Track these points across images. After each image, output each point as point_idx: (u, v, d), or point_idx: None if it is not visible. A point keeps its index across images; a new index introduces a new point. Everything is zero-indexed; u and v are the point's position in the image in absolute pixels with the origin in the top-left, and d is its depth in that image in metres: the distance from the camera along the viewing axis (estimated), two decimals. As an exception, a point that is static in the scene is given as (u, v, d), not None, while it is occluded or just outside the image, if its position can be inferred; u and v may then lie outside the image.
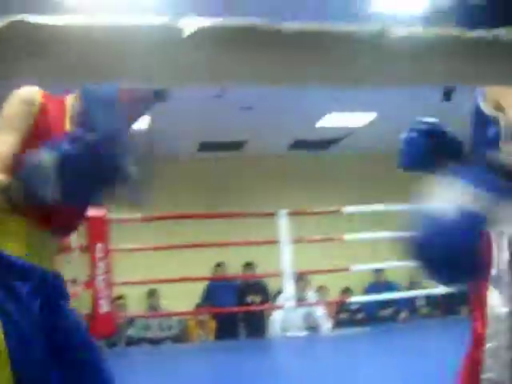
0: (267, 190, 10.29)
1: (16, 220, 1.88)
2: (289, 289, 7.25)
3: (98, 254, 6.27)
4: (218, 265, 9.66)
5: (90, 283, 6.23)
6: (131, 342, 8.25)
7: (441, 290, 7.51)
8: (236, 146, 9.90)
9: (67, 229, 2.11)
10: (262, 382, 4.86)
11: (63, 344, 1.97)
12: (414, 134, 2.19)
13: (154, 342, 8.38)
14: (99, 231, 6.33)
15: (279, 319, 8.02)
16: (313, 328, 8.22)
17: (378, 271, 9.58)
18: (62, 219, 1.97)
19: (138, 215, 7.04)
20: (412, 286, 10.07)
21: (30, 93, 1.91)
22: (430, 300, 9.57)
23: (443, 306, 9.21)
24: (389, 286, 9.38)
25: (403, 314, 9.15)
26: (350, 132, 9.61)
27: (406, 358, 4.99)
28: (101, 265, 6.29)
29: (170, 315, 8.73)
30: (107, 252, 6.38)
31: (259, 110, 7.98)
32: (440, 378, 3.38)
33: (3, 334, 1.79)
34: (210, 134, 9.09)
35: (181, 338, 8.85)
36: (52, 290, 1.98)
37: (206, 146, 9.82)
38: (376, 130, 9.38)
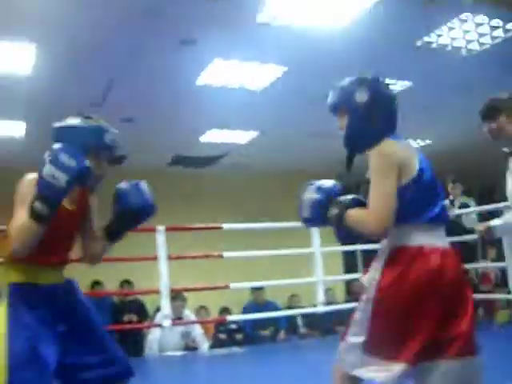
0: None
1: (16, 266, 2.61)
2: (166, 307, 7.07)
3: None
4: (96, 282, 9.41)
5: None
6: None
7: (319, 309, 7.51)
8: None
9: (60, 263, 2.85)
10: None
11: (79, 319, 2.74)
12: (318, 200, 2.53)
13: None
14: None
15: (156, 338, 7.86)
16: (191, 348, 8.11)
17: (257, 290, 9.55)
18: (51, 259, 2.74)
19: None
20: (291, 305, 10.16)
21: (31, 180, 2.58)
22: (309, 320, 9.63)
23: (322, 326, 9.25)
24: (268, 306, 9.36)
25: (282, 334, 9.14)
26: (230, 149, 9.58)
27: (284, 376, 5.09)
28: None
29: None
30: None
31: (140, 122, 7.80)
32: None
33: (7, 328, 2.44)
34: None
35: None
36: (59, 293, 2.73)
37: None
38: (256, 148, 9.42)
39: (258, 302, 9.56)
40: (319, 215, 2.53)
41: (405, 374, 2.23)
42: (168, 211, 9.90)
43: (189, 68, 6.19)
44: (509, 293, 8.05)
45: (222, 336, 8.92)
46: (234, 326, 9.01)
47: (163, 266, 7.04)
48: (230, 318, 8.74)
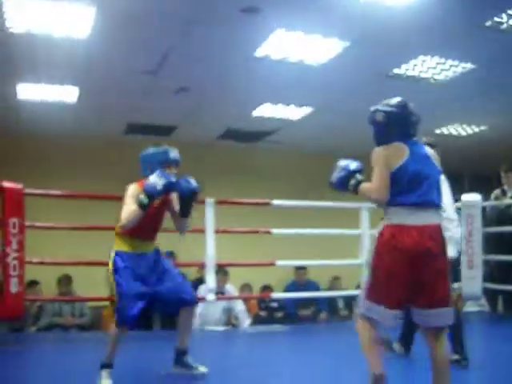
0: (196, 178, 10.05)
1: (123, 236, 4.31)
2: (210, 281, 7.01)
3: (12, 230, 5.89)
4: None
5: (1, 260, 5.85)
6: (42, 327, 7.90)
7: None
8: (166, 130, 9.58)
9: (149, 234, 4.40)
10: (176, 374, 4.65)
11: (157, 278, 4.27)
12: (344, 174, 3.58)
13: (64, 328, 8.06)
14: (14, 205, 5.95)
15: (198, 312, 7.81)
16: (232, 323, 8.06)
17: (300, 269, 9.47)
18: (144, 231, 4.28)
19: (58, 191, 6.79)
20: (332, 287, 10.08)
21: (135, 186, 4.27)
22: (350, 302, 9.55)
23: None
24: (310, 286, 9.29)
25: (323, 315, 9.07)
26: (282, 125, 9.44)
27: (321, 357, 5.16)
28: (14, 241, 5.91)
29: (83, 300, 8.38)
30: (22, 228, 6.00)
31: (194, 93, 7.69)
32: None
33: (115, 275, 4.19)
34: (139, 115, 8.73)
35: (93, 326, 8.55)
36: (149, 259, 4.32)
37: (133, 128, 9.43)
38: (309, 125, 9.28)
39: (300, 281, 9.49)
40: (342, 184, 3.57)
41: (397, 315, 3.27)
42: (217, 185, 9.93)
43: (249, 38, 6.03)
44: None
45: (263, 313, 8.88)
46: (275, 305, 8.98)
47: (210, 239, 6.99)
48: (273, 295, 8.68)
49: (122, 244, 4.28)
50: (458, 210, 8.48)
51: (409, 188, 3.24)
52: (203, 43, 6.14)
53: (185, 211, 4.36)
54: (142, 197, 4.02)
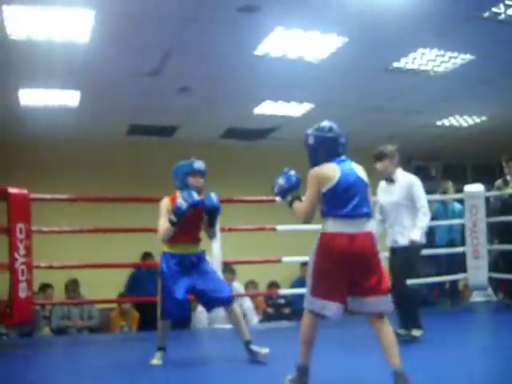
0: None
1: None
2: (217, 279, 7.04)
3: (19, 235, 5.93)
4: (147, 254, 9.45)
5: (9, 266, 5.88)
6: (53, 330, 7.97)
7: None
8: (167, 131, 9.60)
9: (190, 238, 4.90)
10: (186, 373, 4.75)
11: (198, 276, 4.80)
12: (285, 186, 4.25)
13: (75, 331, 8.12)
14: (20, 210, 6.00)
15: (205, 311, 7.83)
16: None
17: (306, 265, 9.48)
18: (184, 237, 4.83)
19: (63, 195, 6.82)
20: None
21: (167, 201, 4.89)
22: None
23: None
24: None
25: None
26: (284, 122, 9.46)
27: (333, 352, 5.13)
28: (21, 247, 5.95)
29: (91, 303, 8.43)
30: (28, 233, 6.04)
31: (196, 92, 7.72)
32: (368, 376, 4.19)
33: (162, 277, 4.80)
34: (141, 116, 8.76)
35: (102, 328, 8.60)
36: (192, 259, 4.85)
37: (135, 130, 9.46)
38: (311, 121, 9.28)
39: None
40: (282, 195, 4.20)
41: (340, 310, 3.70)
42: (221, 183, 9.94)
43: (249, 36, 6.06)
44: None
45: (270, 310, 8.91)
46: (282, 301, 9.00)
47: (216, 237, 7.00)
48: (281, 291, 8.70)
49: (168, 247, 4.88)
50: (460, 201, 8.55)
51: (341, 202, 3.73)
52: (203, 43, 6.17)
53: (210, 222, 4.96)
54: (172, 217, 4.67)
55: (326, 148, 3.92)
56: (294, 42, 6.24)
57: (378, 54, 6.70)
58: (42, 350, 6.23)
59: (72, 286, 8.51)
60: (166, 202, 4.88)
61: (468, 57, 6.91)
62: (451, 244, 8.80)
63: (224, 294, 4.84)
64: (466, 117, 9.86)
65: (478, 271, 8.14)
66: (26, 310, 6.07)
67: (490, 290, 8.87)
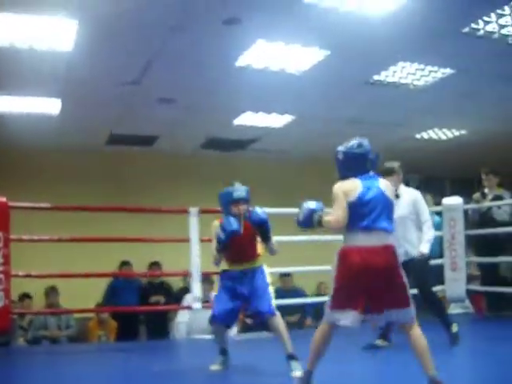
0: (178, 187, 10.14)
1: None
2: (196, 289, 7.05)
3: (-3, 243, 5.90)
4: (124, 263, 9.41)
5: (-14, 274, 5.85)
6: (29, 341, 7.95)
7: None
8: (147, 141, 9.59)
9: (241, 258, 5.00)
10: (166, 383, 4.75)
11: (248, 292, 4.88)
12: (307, 213, 4.02)
13: (52, 341, 8.07)
14: (-1, 218, 5.97)
15: (185, 321, 7.83)
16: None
17: (285, 276, 9.51)
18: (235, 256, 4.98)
19: (43, 204, 6.79)
20: (319, 292, 10.14)
21: (216, 224, 4.97)
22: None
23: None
24: (295, 292, 9.33)
25: (309, 321, 9.10)
26: (264, 133, 9.48)
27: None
28: (-1, 255, 5.92)
29: (69, 312, 8.39)
30: (6, 241, 6.01)
31: (176, 102, 7.74)
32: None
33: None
34: (122, 125, 8.75)
35: (79, 337, 8.56)
36: (246, 275, 4.94)
37: (116, 139, 9.45)
38: (291, 133, 9.34)
39: (285, 288, 9.52)
40: (307, 222, 4.03)
41: (358, 318, 3.73)
42: (200, 194, 9.94)
43: (231, 48, 6.09)
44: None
45: (249, 321, 8.90)
46: (261, 312, 8.98)
47: (194, 248, 7.01)
48: (259, 302, 8.68)
49: (225, 264, 5.11)
50: (438, 213, 8.62)
51: (361, 216, 3.79)
52: (185, 53, 6.19)
53: (263, 237, 5.00)
54: (216, 244, 4.88)
55: (353, 164, 4.00)
56: (275, 55, 6.28)
57: (358, 67, 6.76)
58: (19, 359, 6.20)
59: (51, 294, 8.48)
60: (215, 226, 5.01)
61: (448, 71, 6.99)
62: (430, 256, 8.85)
63: (264, 308, 4.88)
64: (445, 130, 9.95)
65: (455, 283, 8.19)
66: (4, 319, 6.03)
67: (467, 302, 8.94)
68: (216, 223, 5.00)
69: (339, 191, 3.89)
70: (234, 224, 4.82)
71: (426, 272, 5.87)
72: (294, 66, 6.62)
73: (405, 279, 3.78)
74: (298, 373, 4.40)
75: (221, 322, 5.02)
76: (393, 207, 3.95)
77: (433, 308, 5.84)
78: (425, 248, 5.71)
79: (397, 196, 5.66)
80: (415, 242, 5.78)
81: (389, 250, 3.78)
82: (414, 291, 4.99)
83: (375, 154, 4.03)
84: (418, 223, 5.81)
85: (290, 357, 4.73)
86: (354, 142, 4.02)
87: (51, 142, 9.21)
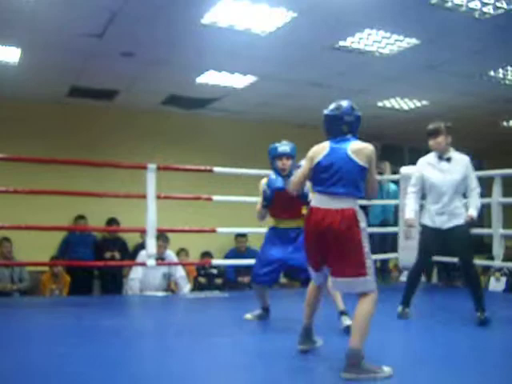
0: (137, 144, 10.06)
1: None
2: (151, 246, 7.03)
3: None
4: (80, 217, 9.36)
5: None
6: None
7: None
8: (108, 95, 9.46)
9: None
10: (115, 339, 4.73)
11: (292, 250, 5.20)
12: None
13: (4, 294, 8.01)
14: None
15: (138, 277, 7.84)
16: (171, 289, 8.11)
17: (240, 237, 9.55)
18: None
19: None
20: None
21: (264, 181, 5.33)
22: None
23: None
24: (249, 253, 9.37)
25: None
26: (226, 93, 9.41)
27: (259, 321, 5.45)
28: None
29: (22, 265, 8.33)
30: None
31: (139, 57, 7.60)
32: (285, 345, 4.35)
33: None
34: (83, 78, 8.59)
35: (32, 291, 8.51)
36: (290, 233, 5.30)
37: (77, 91, 9.29)
38: (253, 93, 9.30)
39: (240, 249, 9.57)
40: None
41: (316, 276, 4.08)
42: (159, 151, 9.91)
43: (197, 5, 5.99)
44: (488, 259, 8.11)
45: (203, 280, 8.95)
46: (214, 271, 9.05)
47: (151, 204, 6.98)
48: (214, 261, 8.73)
49: (271, 221, 5.48)
50: (395, 182, 8.69)
51: (321, 179, 3.93)
52: (150, 7, 6.07)
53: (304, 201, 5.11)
54: (262, 200, 5.29)
55: (329, 126, 4.06)
56: (241, 14, 6.20)
57: (325, 32, 6.71)
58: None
59: (5, 244, 8.42)
60: (262, 184, 5.35)
61: (413, 41, 6.98)
62: (384, 224, 8.96)
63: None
64: (407, 100, 9.98)
65: (408, 252, 8.28)
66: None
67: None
68: (264, 181, 5.34)
69: (309, 155, 4.05)
70: (278, 182, 5.21)
71: (469, 241, 5.61)
72: (260, 26, 6.54)
73: (361, 247, 3.78)
74: (347, 322, 4.79)
75: (262, 283, 5.42)
76: (358, 171, 3.88)
77: (470, 280, 5.50)
78: (474, 212, 5.42)
79: (447, 160, 5.59)
80: (461, 207, 5.53)
81: (343, 213, 3.81)
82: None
83: (356, 116, 4.04)
84: (463, 189, 5.60)
85: (341, 313, 5.00)
86: (334, 104, 4.07)
87: (8, 91, 9.03)
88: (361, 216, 3.85)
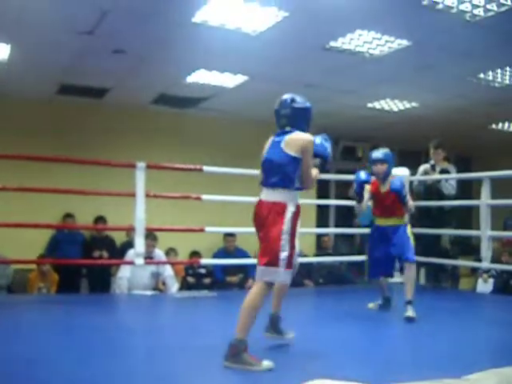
0: (127, 142, 10.03)
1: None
2: (139, 245, 7.03)
3: None
4: (68, 215, 9.33)
5: None
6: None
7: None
8: (98, 93, 9.42)
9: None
10: (103, 336, 4.74)
11: (393, 243, 6.01)
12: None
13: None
14: None
15: (126, 276, 7.81)
16: (160, 288, 8.10)
17: (229, 236, 9.54)
18: None
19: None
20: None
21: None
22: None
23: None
24: (238, 253, 9.38)
25: (250, 282, 9.15)
26: (216, 92, 9.39)
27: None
28: None
29: (9, 263, 8.28)
30: None
31: (130, 55, 7.56)
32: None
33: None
34: (73, 75, 8.55)
35: (19, 288, 8.48)
36: (388, 230, 6.11)
37: (66, 89, 9.25)
38: (243, 93, 9.29)
39: (228, 248, 9.56)
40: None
41: None
42: (149, 149, 9.89)
43: (188, 3, 5.97)
44: (475, 260, 8.15)
45: (191, 279, 8.94)
46: (203, 271, 9.04)
47: (140, 203, 6.98)
48: (203, 261, 8.72)
49: (375, 220, 6.28)
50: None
51: (264, 172, 4.13)
52: (141, 5, 6.04)
53: (400, 201, 6.14)
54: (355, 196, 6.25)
55: (275, 120, 4.24)
56: (233, 13, 6.19)
57: (316, 32, 6.70)
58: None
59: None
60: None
61: (404, 42, 6.98)
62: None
63: (405, 255, 5.92)
64: (397, 101, 9.99)
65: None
66: None
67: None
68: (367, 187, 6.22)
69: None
70: (362, 175, 6.08)
71: None
72: (251, 25, 6.53)
73: (279, 239, 3.92)
74: (410, 312, 5.62)
75: (375, 275, 6.32)
76: (290, 162, 4.00)
77: None
78: None
79: None
80: None
81: (272, 206, 3.97)
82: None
83: (294, 108, 4.15)
84: None
85: (408, 302, 5.75)
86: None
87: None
88: (290, 212, 3.97)
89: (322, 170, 4.48)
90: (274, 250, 3.90)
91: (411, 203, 6.15)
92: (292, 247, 3.99)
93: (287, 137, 4.06)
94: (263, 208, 4.00)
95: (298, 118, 4.15)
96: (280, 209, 3.94)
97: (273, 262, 3.90)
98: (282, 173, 4.01)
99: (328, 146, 4.48)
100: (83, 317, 5.52)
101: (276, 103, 4.21)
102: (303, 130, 4.12)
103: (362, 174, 6.08)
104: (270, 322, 4.55)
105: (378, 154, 6.16)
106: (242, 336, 3.76)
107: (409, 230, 6.05)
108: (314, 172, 4.24)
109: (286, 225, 3.93)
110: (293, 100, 4.17)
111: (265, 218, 3.97)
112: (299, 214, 4.11)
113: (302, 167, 4.03)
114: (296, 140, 4.02)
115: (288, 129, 4.11)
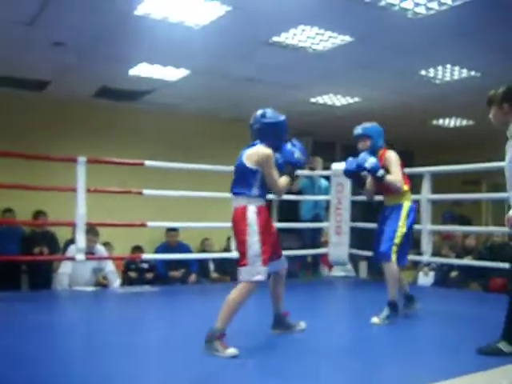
0: (68, 136, 9.88)
1: None
2: (80, 240, 6.92)
3: None
4: (7, 210, 9.14)
5: None
6: None
7: (233, 254, 7.39)
8: (38, 85, 9.25)
9: None
10: (43, 335, 4.64)
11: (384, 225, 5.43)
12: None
13: None
14: None
15: (67, 272, 7.70)
16: (101, 284, 8.00)
17: (171, 231, 9.47)
18: None
19: None
20: (203, 249, 10.18)
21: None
22: (221, 265, 9.69)
23: (234, 272, 9.31)
24: (180, 248, 9.33)
25: (193, 276, 9.12)
26: (158, 86, 9.32)
27: (188, 316, 5.49)
28: None
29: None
30: None
31: (70, 48, 7.43)
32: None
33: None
34: (10, 67, 8.37)
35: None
36: (386, 209, 5.53)
37: (3, 81, 9.06)
38: (185, 87, 9.24)
39: (171, 243, 9.50)
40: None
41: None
42: (91, 143, 9.76)
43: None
44: (417, 254, 8.26)
45: (133, 274, 8.87)
46: (145, 265, 8.98)
47: (81, 198, 6.89)
48: (144, 256, 8.65)
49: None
50: (327, 177, 8.78)
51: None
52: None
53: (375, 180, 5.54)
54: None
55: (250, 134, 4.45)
56: (175, 6, 6.14)
57: (259, 26, 6.70)
58: None
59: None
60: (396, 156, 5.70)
61: (347, 38, 7.02)
62: (316, 219, 9.04)
63: (380, 246, 5.35)
64: (339, 96, 10.06)
65: (339, 247, 8.40)
66: None
67: (349, 266, 9.20)
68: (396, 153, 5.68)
69: None
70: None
71: None
72: (194, 19, 6.49)
73: (246, 240, 4.15)
74: (375, 319, 5.19)
75: (374, 260, 5.83)
76: (249, 173, 4.23)
77: None
78: None
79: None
80: None
81: (237, 211, 4.27)
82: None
83: (263, 123, 4.34)
84: None
85: (388, 303, 5.28)
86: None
87: None
88: (251, 213, 4.19)
89: (292, 174, 4.58)
90: (243, 250, 4.18)
91: (390, 177, 5.29)
92: (264, 244, 4.17)
93: (248, 150, 4.32)
94: (234, 214, 4.29)
95: (267, 132, 4.35)
96: (241, 212, 4.22)
97: (245, 262, 4.14)
98: (241, 181, 4.29)
99: (296, 150, 4.55)
100: (22, 314, 5.42)
101: (253, 117, 4.41)
102: (273, 143, 4.36)
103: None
104: (275, 321, 4.74)
105: (357, 129, 5.71)
106: (219, 326, 3.99)
107: (404, 210, 5.33)
108: (283, 179, 4.41)
109: (250, 226, 4.17)
110: (263, 115, 4.38)
111: (234, 223, 4.29)
112: (267, 214, 4.34)
113: (265, 178, 4.28)
114: (252, 154, 4.26)
115: (257, 142, 4.34)
